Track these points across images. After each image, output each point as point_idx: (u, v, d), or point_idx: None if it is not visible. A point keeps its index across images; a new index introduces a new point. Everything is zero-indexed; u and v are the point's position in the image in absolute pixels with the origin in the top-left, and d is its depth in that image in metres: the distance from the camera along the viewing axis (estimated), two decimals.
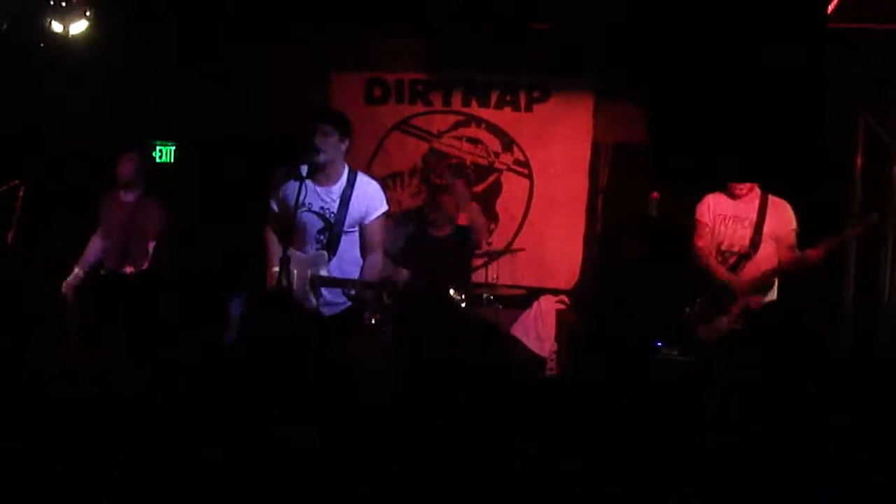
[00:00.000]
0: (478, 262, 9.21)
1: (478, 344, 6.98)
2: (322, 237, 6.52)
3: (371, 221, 6.54)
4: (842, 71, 8.40)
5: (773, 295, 7.39)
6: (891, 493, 3.78)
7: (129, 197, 8.23)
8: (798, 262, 7.25)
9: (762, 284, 7.31)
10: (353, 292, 6.47)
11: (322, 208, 6.49)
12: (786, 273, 7.33)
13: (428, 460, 3.92)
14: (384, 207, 6.62)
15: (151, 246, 8.08)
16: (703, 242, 7.56)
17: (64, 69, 8.56)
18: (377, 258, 6.62)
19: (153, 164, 9.41)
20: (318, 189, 6.48)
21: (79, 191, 8.78)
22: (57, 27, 8.13)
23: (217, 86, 9.66)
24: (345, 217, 6.47)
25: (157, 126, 9.53)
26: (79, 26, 8.19)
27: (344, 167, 6.54)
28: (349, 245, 6.56)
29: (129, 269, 8.02)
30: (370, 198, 6.55)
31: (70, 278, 8.06)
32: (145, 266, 8.04)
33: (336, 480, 3.97)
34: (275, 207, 6.69)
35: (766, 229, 7.36)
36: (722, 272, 7.42)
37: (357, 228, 6.54)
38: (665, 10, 8.51)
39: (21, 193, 8.05)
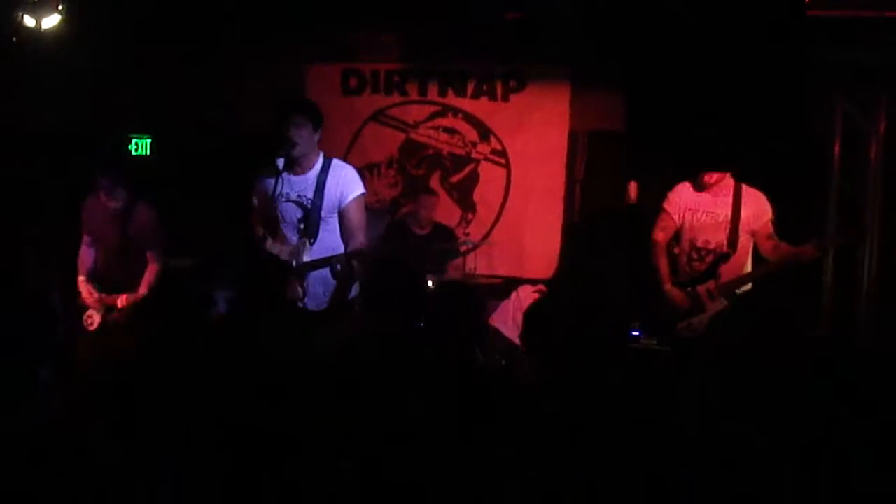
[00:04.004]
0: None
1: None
2: (302, 225, 6.51)
3: (348, 204, 6.48)
4: (820, 58, 8.37)
5: (748, 284, 7.32)
6: (867, 480, 3.77)
7: (114, 203, 7.63)
8: (791, 258, 7.10)
9: (741, 286, 7.23)
10: (339, 267, 6.40)
11: (299, 196, 6.48)
12: (775, 271, 7.21)
13: (401, 455, 3.89)
14: (360, 190, 6.56)
15: (150, 256, 7.69)
16: (661, 237, 7.46)
17: (37, 63, 8.50)
18: (359, 243, 6.52)
19: (128, 157, 9.37)
20: (294, 178, 6.48)
21: (53, 183, 8.74)
22: (29, 21, 8.06)
23: (192, 78, 9.63)
24: (321, 202, 6.45)
25: (133, 119, 9.49)
26: (51, 20, 8.12)
27: (318, 155, 6.53)
28: (328, 232, 6.52)
29: (119, 302, 7.59)
30: (345, 181, 6.51)
31: (90, 310, 7.59)
32: (142, 291, 7.63)
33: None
34: (255, 202, 6.72)
35: (742, 224, 7.20)
36: (666, 281, 7.38)
37: (336, 215, 6.51)
38: None
39: None
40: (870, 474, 3.74)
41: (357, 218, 6.53)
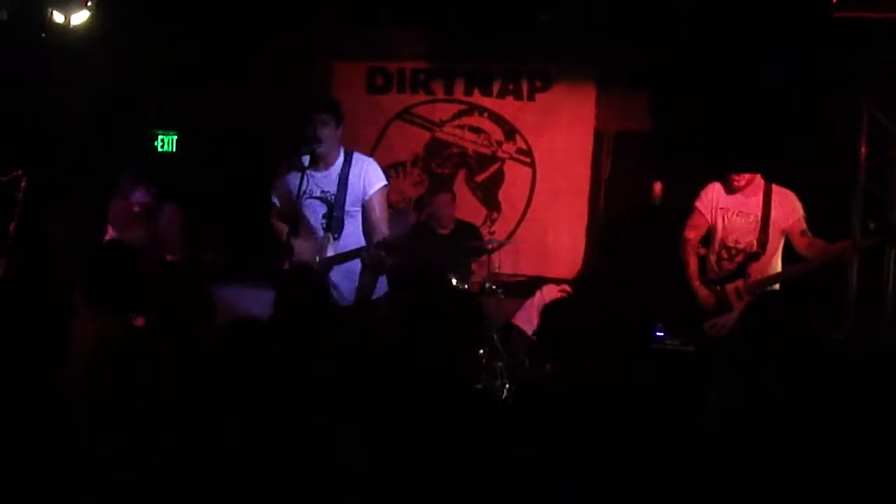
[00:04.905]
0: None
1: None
2: (326, 221, 6.51)
3: (371, 196, 6.51)
4: (845, 59, 8.35)
5: (776, 284, 7.29)
6: (884, 481, 3.77)
7: (141, 203, 7.62)
8: (825, 255, 7.08)
9: (770, 285, 7.19)
10: (366, 255, 6.33)
11: (323, 192, 6.50)
12: (805, 272, 7.20)
13: (414, 459, 3.89)
14: (383, 182, 6.59)
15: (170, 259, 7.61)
16: (692, 234, 7.42)
17: (65, 59, 8.53)
18: (382, 235, 6.48)
19: (155, 154, 9.41)
20: (317, 175, 6.49)
21: (81, 181, 8.77)
22: (58, 17, 8.08)
23: (219, 74, 9.65)
24: (345, 196, 6.47)
25: (159, 115, 9.53)
26: (80, 16, 8.14)
27: (340, 150, 6.55)
28: (353, 227, 6.53)
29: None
30: (367, 173, 6.53)
31: None
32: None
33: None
34: (276, 200, 6.74)
35: (772, 225, 7.18)
36: (694, 278, 7.32)
37: (359, 208, 6.52)
38: None
39: (24, 184, 8.01)
40: (893, 478, 3.74)
41: (380, 210, 6.55)
